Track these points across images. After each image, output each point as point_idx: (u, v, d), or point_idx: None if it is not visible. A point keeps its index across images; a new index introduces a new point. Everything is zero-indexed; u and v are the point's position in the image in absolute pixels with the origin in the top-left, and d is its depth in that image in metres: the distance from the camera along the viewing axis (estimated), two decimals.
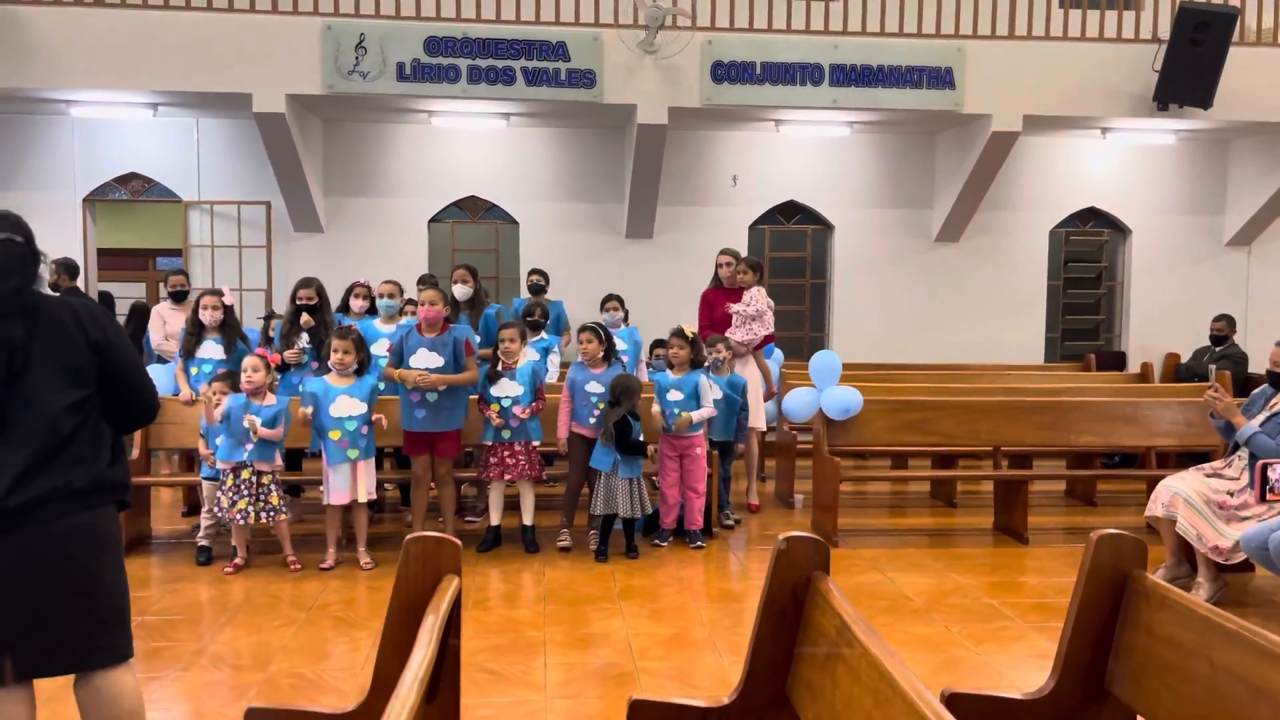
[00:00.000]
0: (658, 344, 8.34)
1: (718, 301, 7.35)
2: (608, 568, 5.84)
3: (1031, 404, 6.85)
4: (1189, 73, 8.60)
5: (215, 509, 5.75)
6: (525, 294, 8.85)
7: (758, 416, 7.15)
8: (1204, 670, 2.30)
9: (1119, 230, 10.80)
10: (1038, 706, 2.65)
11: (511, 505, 6.52)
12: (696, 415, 6.17)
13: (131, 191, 9.67)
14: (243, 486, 5.59)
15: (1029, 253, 10.55)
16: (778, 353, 8.23)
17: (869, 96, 8.76)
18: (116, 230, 12.23)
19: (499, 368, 6.10)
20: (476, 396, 6.17)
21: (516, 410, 6.03)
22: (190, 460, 6.89)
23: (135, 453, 6.23)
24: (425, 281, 6.89)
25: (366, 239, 9.69)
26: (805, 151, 10.15)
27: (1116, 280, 10.93)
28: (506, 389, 6.07)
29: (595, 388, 6.13)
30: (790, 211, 10.41)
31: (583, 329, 6.27)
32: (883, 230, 10.35)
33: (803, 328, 10.58)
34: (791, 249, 10.53)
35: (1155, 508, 5.45)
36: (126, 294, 11.22)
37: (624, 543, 6.11)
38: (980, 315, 10.47)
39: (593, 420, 6.10)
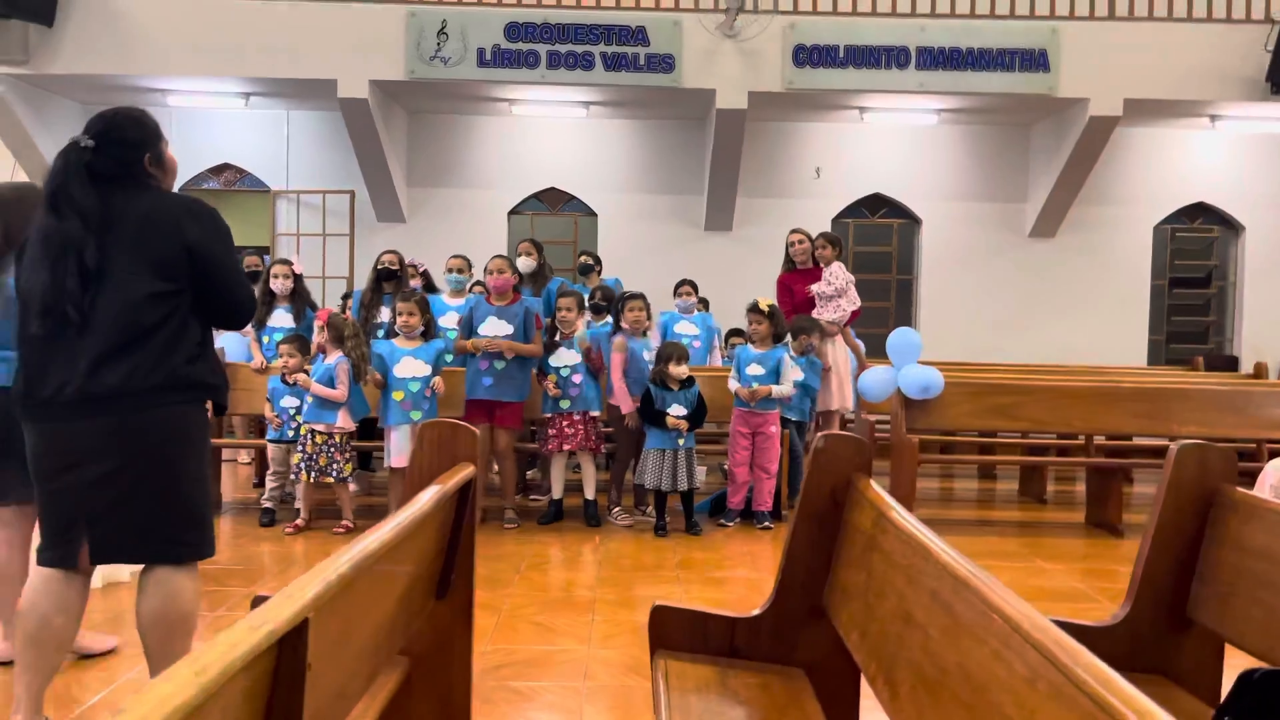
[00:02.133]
0: (735, 333, 8.13)
1: (795, 284, 7.10)
2: (668, 541, 5.65)
3: (1128, 390, 6.40)
4: None
5: (278, 469, 5.78)
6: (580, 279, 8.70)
7: (846, 396, 6.81)
8: None
9: (1230, 227, 10.18)
10: (1111, 634, 2.38)
11: (576, 486, 6.38)
12: (775, 390, 5.92)
13: (224, 181, 9.95)
14: (301, 443, 5.63)
15: (1130, 249, 10.01)
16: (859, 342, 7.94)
17: (958, 80, 8.46)
18: None
19: (556, 337, 6.00)
20: (536, 371, 6.07)
21: (575, 379, 5.90)
22: (262, 427, 6.95)
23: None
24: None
25: (447, 229, 9.73)
26: (891, 142, 9.87)
27: (1228, 280, 10.29)
28: (564, 358, 5.96)
29: (647, 356, 5.98)
30: (876, 204, 10.11)
31: (630, 296, 6.13)
32: (973, 224, 9.96)
33: (888, 325, 10.18)
34: (877, 243, 10.22)
35: (1263, 489, 5.00)
36: None
37: (685, 520, 5.90)
38: (1077, 315, 9.96)
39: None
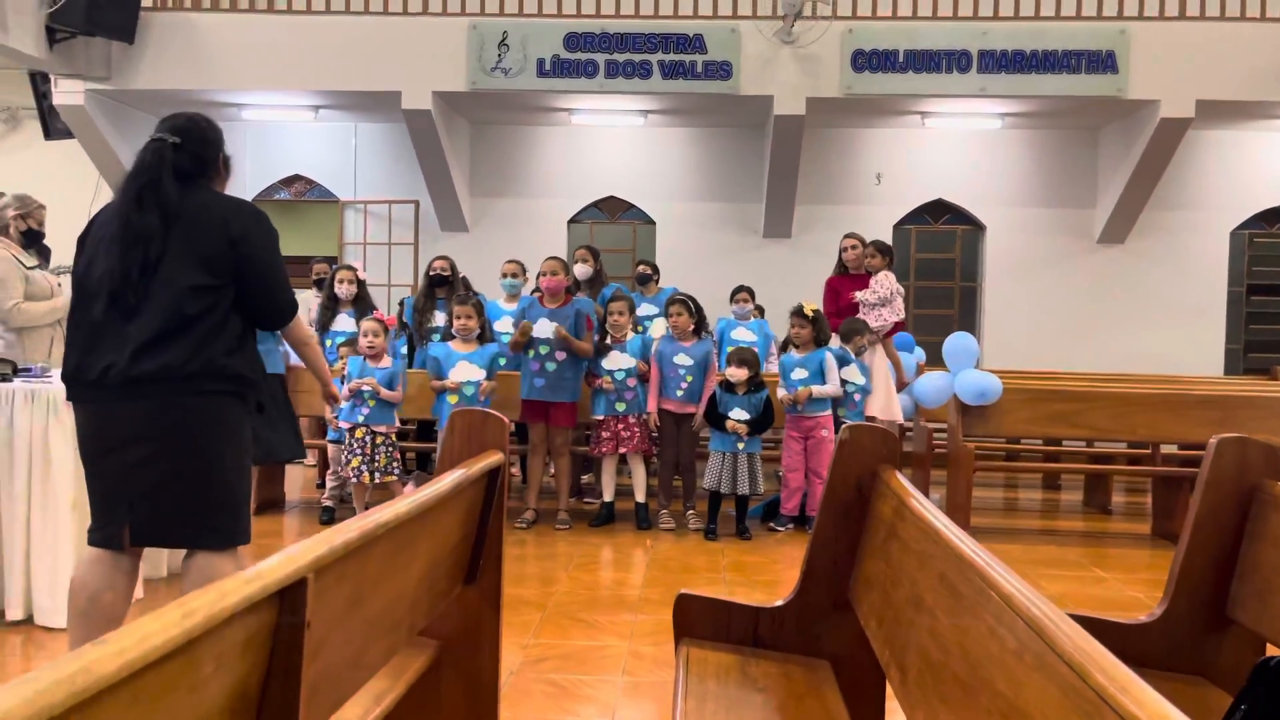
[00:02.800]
0: (788, 343, 8.08)
1: (843, 288, 7.03)
2: (718, 545, 5.64)
3: (1196, 397, 6.20)
4: None
5: (338, 469, 5.91)
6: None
7: (889, 408, 6.75)
8: None
9: None
10: (1146, 632, 2.32)
11: (629, 491, 6.40)
12: (818, 390, 5.90)
13: (295, 192, 10.24)
14: (356, 445, 5.70)
15: (1205, 256, 9.71)
16: (919, 350, 7.84)
17: (1021, 83, 8.31)
18: (278, 232, 13.01)
19: (608, 340, 6.04)
20: (585, 374, 6.11)
21: (629, 382, 5.94)
22: (323, 428, 7.12)
23: None
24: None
25: (509, 238, 9.85)
26: (954, 147, 9.73)
27: None
28: (617, 361, 5.99)
29: (684, 360, 5.99)
30: (938, 211, 9.98)
31: (672, 301, 6.16)
32: (1039, 230, 9.76)
33: (951, 333, 10.05)
34: (939, 250, 10.08)
35: None
36: None
37: (735, 525, 5.89)
38: (1148, 323, 9.69)
39: (679, 393, 5.95)
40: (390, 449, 5.75)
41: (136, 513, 2.66)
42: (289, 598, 1.28)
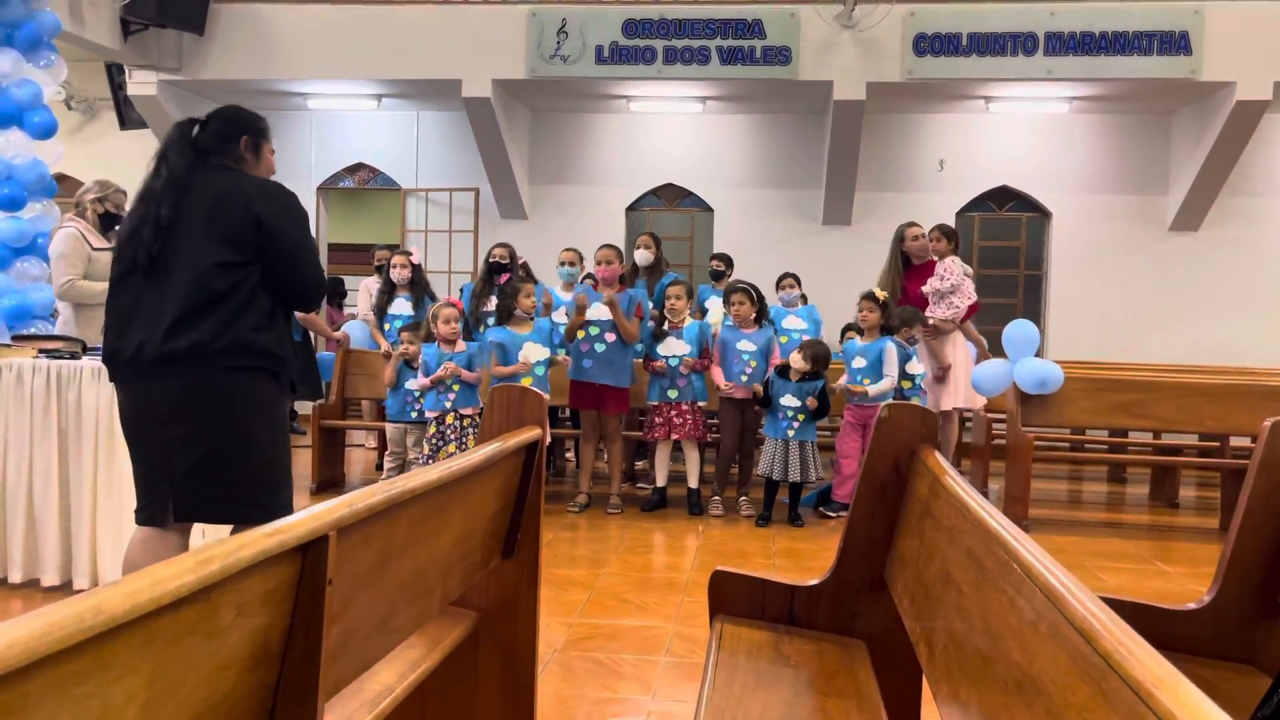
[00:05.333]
0: (850, 328, 7.99)
1: (909, 281, 6.90)
2: (769, 531, 5.62)
3: (1268, 388, 6.00)
4: None
5: (396, 450, 6.01)
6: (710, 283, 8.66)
7: (960, 394, 6.55)
8: None
9: None
10: (1195, 618, 2.26)
11: (682, 477, 6.41)
12: (873, 389, 5.80)
13: (359, 180, 10.41)
14: (448, 432, 5.65)
15: None
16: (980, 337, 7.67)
17: (1090, 65, 8.09)
18: (342, 221, 13.24)
19: (665, 326, 6.03)
20: (643, 359, 6.10)
21: (684, 369, 5.93)
22: (383, 411, 7.22)
23: (333, 398, 6.62)
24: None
25: (567, 225, 9.90)
26: (1019, 132, 9.51)
27: None
28: (673, 348, 5.99)
29: (747, 346, 5.95)
30: (1003, 198, 9.77)
31: (733, 289, 6.11)
32: (1108, 218, 9.50)
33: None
34: (1004, 238, 9.87)
35: None
36: (353, 286, 12.07)
37: (788, 511, 5.86)
38: (1224, 313, 9.37)
39: (744, 379, 5.91)
40: (478, 430, 5.70)
41: (178, 490, 2.72)
42: (311, 554, 1.32)
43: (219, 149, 2.89)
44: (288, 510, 2.84)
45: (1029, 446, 5.88)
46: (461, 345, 5.80)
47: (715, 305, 6.99)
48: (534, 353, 5.68)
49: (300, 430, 8.18)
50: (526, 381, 5.57)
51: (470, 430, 5.67)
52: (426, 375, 5.62)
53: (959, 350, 6.54)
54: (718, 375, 5.98)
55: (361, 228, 13.66)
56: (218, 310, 2.71)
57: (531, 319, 5.81)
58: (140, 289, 2.73)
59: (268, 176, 3.01)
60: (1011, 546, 1.38)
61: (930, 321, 6.41)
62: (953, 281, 6.54)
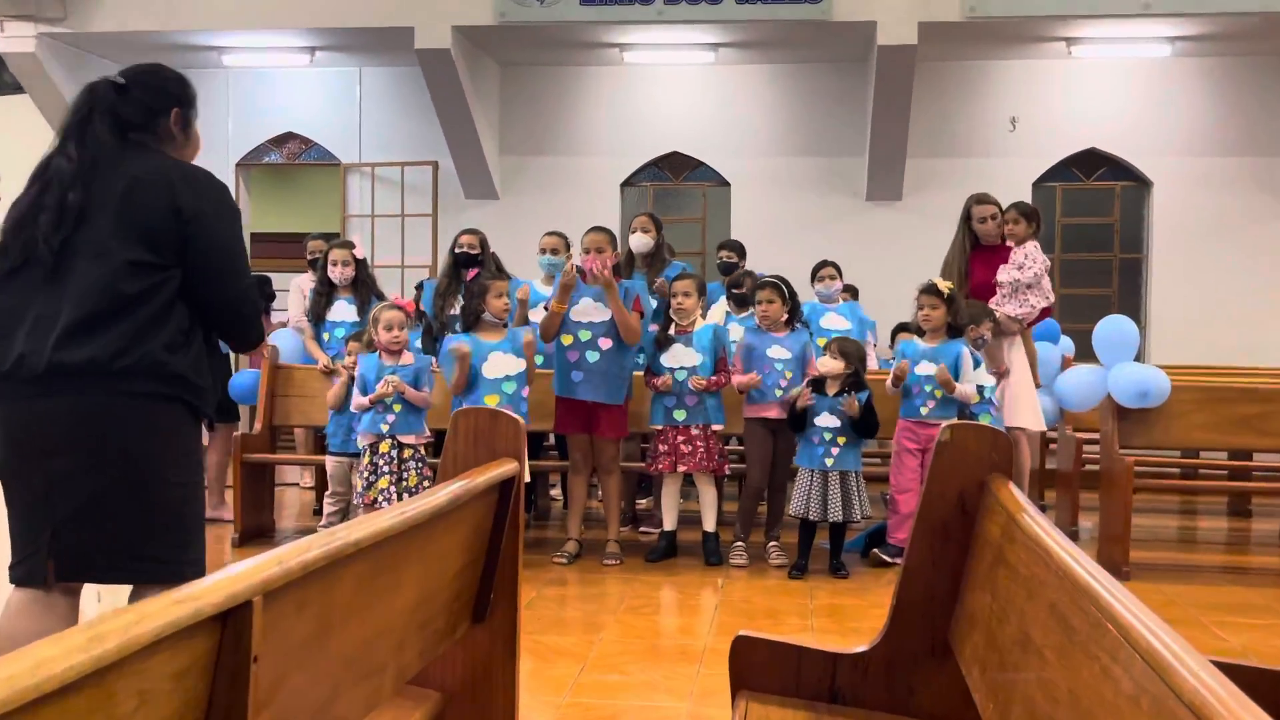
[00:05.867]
0: (903, 328, 8.01)
1: (976, 266, 6.90)
2: (806, 584, 5.62)
3: None
4: None
5: (337, 490, 6.03)
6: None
7: (1021, 413, 6.53)
8: None
9: None
10: None
11: (693, 518, 6.42)
12: (960, 388, 5.75)
13: (287, 154, 10.48)
14: (381, 463, 5.68)
15: None
16: (1065, 340, 7.67)
17: None
18: (268, 205, 13.30)
19: (671, 330, 6.03)
20: (643, 372, 6.11)
21: (692, 384, 5.90)
22: (321, 442, 7.23)
23: (258, 426, 6.64)
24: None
25: (549, 206, 9.91)
26: (1110, 82, 9.61)
27: None
28: (681, 357, 5.97)
29: (780, 352, 5.95)
30: (1091, 164, 9.86)
31: (760, 285, 6.12)
32: (1223, 186, 9.58)
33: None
34: (1093, 213, 9.96)
35: None
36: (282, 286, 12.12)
37: (828, 559, 5.85)
38: None
39: (779, 393, 5.90)
40: (420, 464, 5.70)
41: (61, 541, 2.68)
42: (231, 625, 1.32)
43: (142, 124, 2.89)
44: (198, 568, 2.83)
45: (1128, 473, 5.89)
46: (409, 357, 5.80)
47: (720, 304, 7.00)
48: (499, 367, 5.66)
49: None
50: (493, 400, 5.54)
51: (413, 464, 5.65)
52: (365, 393, 5.63)
53: (1020, 359, 6.50)
54: (747, 379, 5.93)
55: (292, 213, 13.70)
56: (124, 320, 2.70)
57: (505, 325, 5.82)
58: (29, 290, 2.72)
59: (193, 156, 3.02)
60: (1105, 601, 1.38)
61: (995, 315, 6.40)
62: (1035, 271, 6.47)
